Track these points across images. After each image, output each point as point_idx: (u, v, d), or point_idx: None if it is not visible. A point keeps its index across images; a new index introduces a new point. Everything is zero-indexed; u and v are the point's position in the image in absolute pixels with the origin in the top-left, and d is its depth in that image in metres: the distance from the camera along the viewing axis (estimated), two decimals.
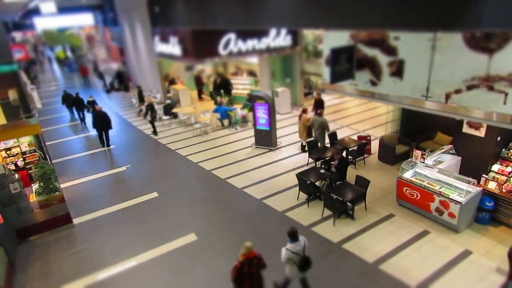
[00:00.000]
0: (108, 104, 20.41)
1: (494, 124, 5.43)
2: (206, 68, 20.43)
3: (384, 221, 7.91)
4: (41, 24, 25.45)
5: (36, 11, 19.81)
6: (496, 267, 6.34)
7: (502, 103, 5.09)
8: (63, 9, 21.60)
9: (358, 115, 15.32)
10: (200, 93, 19.50)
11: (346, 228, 7.72)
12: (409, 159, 8.60)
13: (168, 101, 17.32)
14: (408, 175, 8.20)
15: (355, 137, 11.53)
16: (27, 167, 9.96)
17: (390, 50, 6.35)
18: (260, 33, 13.93)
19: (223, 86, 17.16)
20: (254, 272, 5.38)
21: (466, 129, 8.39)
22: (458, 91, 5.54)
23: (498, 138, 7.86)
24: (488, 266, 6.40)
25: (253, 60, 16.94)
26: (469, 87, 5.38)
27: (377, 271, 6.50)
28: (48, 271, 7.12)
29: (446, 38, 5.48)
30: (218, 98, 16.79)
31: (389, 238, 7.31)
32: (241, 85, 18.12)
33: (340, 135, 11.87)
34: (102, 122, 12.62)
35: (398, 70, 6.33)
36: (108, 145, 13.27)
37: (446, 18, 4.51)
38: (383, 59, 6.50)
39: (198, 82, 19.31)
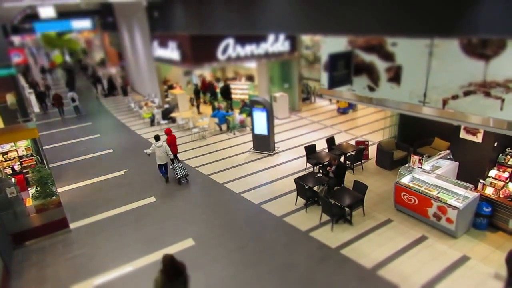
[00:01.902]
0: (106, 107, 20.41)
1: (491, 130, 5.46)
2: (205, 73, 20.48)
3: (382, 226, 7.90)
4: (40, 27, 25.44)
5: (35, 15, 19.83)
6: (494, 273, 6.33)
7: (498, 109, 5.12)
8: (62, 14, 21.64)
9: (356, 120, 15.38)
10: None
11: (344, 234, 7.70)
12: (407, 165, 8.62)
13: (166, 106, 17.33)
14: (406, 180, 8.21)
15: (353, 142, 11.56)
16: (24, 171, 9.91)
17: (387, 56, 6.40)
18: (259, 39, 14.01)
19: (224, 91, 17.17)
20: None
21: (463, 134, 8.43)
22: (455, 97, 5.57)
23: (495, 144, 7.90)
24: (486, 272, 6.39)
25: (252, 65, 17.01)
26: (466, 93, 5.42)
27: (375, 276, 6.48)
28: (44, 276, 7.06)
29: (443, 44, 5.52)
30: (216, 103, 16.84)
31: (387, 244, 7.30)
32: (240, 90, 18.18)
33: (338, 140, 11.90)
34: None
35: (395, 76, 6.36)
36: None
37: (443, 25, 4.55)
38: (381, 65, 6.54)
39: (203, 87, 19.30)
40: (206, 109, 17.88)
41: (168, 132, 11.23)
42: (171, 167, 10.60)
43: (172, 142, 11.06)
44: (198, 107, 17.95)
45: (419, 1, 4.75)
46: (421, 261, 6.76)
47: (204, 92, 18.50)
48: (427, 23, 4.73)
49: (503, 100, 5.04)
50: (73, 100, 18.60)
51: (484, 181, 7.82)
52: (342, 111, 16.56)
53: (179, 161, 11.49)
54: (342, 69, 6.89)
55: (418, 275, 6.42)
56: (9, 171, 9.75)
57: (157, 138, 10.45)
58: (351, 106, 16.65)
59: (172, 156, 10.59)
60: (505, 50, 4.83)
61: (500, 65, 4.95)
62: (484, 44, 5.03)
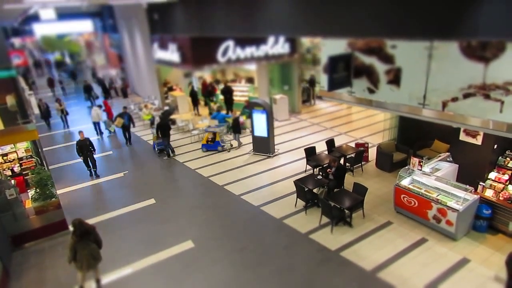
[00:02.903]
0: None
1: (491, 132, 5.47)
2: (205, 75, 20.51)
3: (382, 228, 7.89)
4: (41, 30, 25.54)
5: (35, 17, 19.89)
6: (494, 275, 6.32)
7: (498, 111, 5.13)
8: (62, 16, 21.68)
9: (356, 122, 15.39)
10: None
11: (344, 236, 7.69)
12: (407, 167, 8.62)
13: (166, 108, 17.35)
14: (405, 182, 8.20)
15: (352, 144, 11.56)
16: (24, 173, 9.89)
17: (387, 58, 6.41)
18: (259, 41, 14.05)
19: (223, 93, 17.25)
20: None
21: (463, 137, 8.44)
22: (454, 99, 5.58)
23: (495, 146, 7.90)
24: (486, 274, 6.38)
25: (252, 67, 17.03)
26: (466, 95, 5.42)
27: (375, 279, 6.46)
28: (43, 278, 7.04)
29: (442, 47, 5.53)
30: (212, 105, 16.89)
31: (387, 246, 7.28)
32: (240, 92, 18.20)
33: (337, 142, 11.90)
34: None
35: (395, 78, 6.37)
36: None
37: (443, 27, 4.56)
38: (380, 67, 6.55)
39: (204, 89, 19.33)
40: (204, 111, 17.93)
41: (105, 104, 16.49)
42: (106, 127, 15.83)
43: (108, 109, 16.34)
44: (197, 109, 18.02)
45: (419, 4, 4.77)
46: (421, 263, 6.75)
47: (204, 95, 18.54)
48: (427, 25, 4.75)
49: (502, 103, 5.05)
50: (60, 82, 25.97)
51: (484, 183, 7.82)
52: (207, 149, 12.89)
53: (112, 122, 15.43)
54: (341, 71, 6.90)
55: (418, 277, 6.40)
56: (9, 172, 9.74)
57: (100, 106, 15.76)
58: (214, 145, 12.67)
59: (102, 119, 15.56)
60: (505, 52, 4.84)
61: (500, 68, 4.96)
62: (483, 46, 5.04)
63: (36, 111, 16.23)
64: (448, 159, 8.74)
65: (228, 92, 17.02)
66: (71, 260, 6.17)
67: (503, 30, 3.96)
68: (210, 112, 16.77)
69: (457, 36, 4.67)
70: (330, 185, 8.91)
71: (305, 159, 10.93)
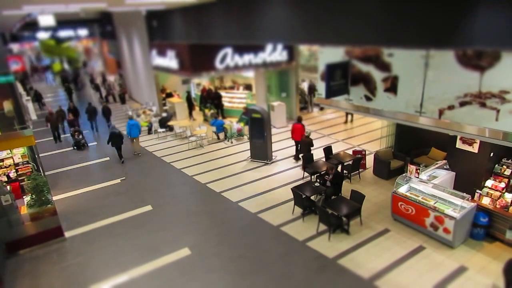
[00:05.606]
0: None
1: (487, 140, 5.50)
2: (203, 82, 20.57)
3: (379, 236, 7.87)
4: (39, 34, 25.62)
5: (34, 24, 19.95)
6: (492, 284, 6.31)
7: (494, 120, 5.17)
8: (61, 22, 21.76)
9: (353, 130, 15.44)
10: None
11: (341, 243, 7.66)
12: (404, 174, 8.63)
13: (164, 114, 17.36)
14: (403, 190, 8.21)
15: (350, 152, 11.58)
16: (20, 178, 9.83)
17: (384, 66, 6.46)
18: (257, 48, 14.14)
19: (214, 99, 17.41)
20: None
21: (459, 144, 8.48)
22: (451, 107, 5.62)
23: (491, 154, 7.94)
24: (483, 282, 6.36)
25: (250, 74, 17.11)
26: (462, 104, 5.47)
27: (372, 287, 6.43)
28: (37, 286, 6.95)
29: (438, 56, 5.59)
30: (207, 111, 16.94)
31: (385, 254, 7.26)
32: (237, 99, 18.25)
33: (335, 150, 11.92)
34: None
35: (392, 86, 6.42)
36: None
37: (439, 36, 4.61)
38: (378, 75, 6.60)
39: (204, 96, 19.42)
40: (199, 117, 18.00)
41: None
42: None
43: None
44: (190, 114, 18.11)
45: (415, 13, 4.82)
46: (418, 271, 6.72)
47: (203, 101, 18.61)
48: (423, 34, 4.80)
49: (498, 111, 5.09)
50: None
51: (480, 191, 7.84)
52: None
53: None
54: (339, 79, 6.95)
55: (416, 286, 6.37)
56: (5, 178, 9.68)
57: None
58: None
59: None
60: (500, 61, 4.89)
61: (495, 76, 5.01)
62: (479, 55, 5.09)
63: (34, 116, 16.18)
64: (445, 167, 8.77)
65: (216, 98, 17.20)
66: None
67: (499, 40, 4.01)
68: (205, 119, 16.82)
69: (453, 45, 4.71)
70: (327, 192, 8.91)
71: (302, 166, 10.93)
